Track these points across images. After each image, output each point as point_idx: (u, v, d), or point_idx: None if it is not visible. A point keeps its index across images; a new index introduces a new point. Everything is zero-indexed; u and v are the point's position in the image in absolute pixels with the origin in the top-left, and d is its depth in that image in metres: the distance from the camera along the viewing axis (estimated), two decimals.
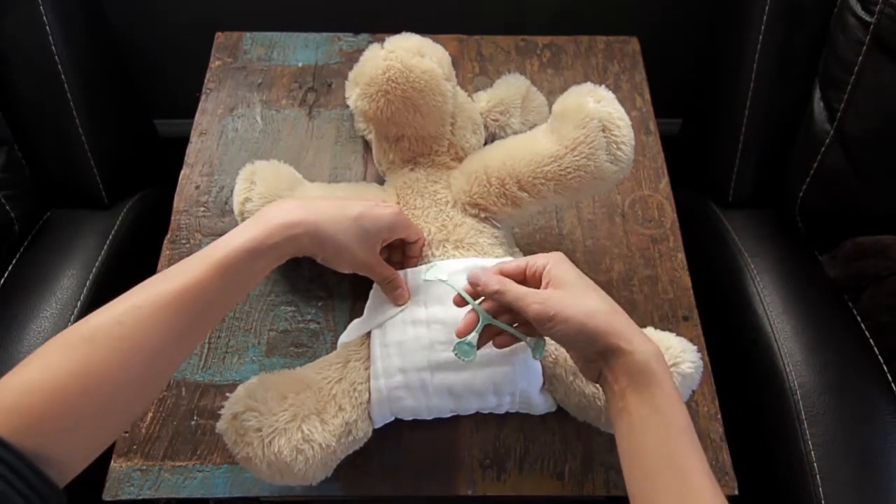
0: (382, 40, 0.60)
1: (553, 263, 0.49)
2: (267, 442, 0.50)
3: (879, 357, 0.74)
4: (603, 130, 0.55)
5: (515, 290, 0.48)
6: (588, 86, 0.58)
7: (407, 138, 0.64)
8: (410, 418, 0.58)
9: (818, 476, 0.64)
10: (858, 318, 0.78)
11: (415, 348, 0.56)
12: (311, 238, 0.50)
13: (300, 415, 0.52)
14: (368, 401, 0.56)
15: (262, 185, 0.62)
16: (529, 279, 0.51)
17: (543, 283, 0.49)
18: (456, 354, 0.53)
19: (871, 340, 0.75)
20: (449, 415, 0.59)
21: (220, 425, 0.52)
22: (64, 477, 0.38)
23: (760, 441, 0.72)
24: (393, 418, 0.58)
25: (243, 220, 0.63)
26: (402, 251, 0.61)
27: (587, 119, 0.55)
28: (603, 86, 0.58)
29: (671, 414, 0.42)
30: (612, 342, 0.45)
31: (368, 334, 0.59)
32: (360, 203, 0.54)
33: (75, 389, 0.38)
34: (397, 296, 0.58)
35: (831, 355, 0.73)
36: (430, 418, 0.59)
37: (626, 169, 0.58)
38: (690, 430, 0.42)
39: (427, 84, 0.58)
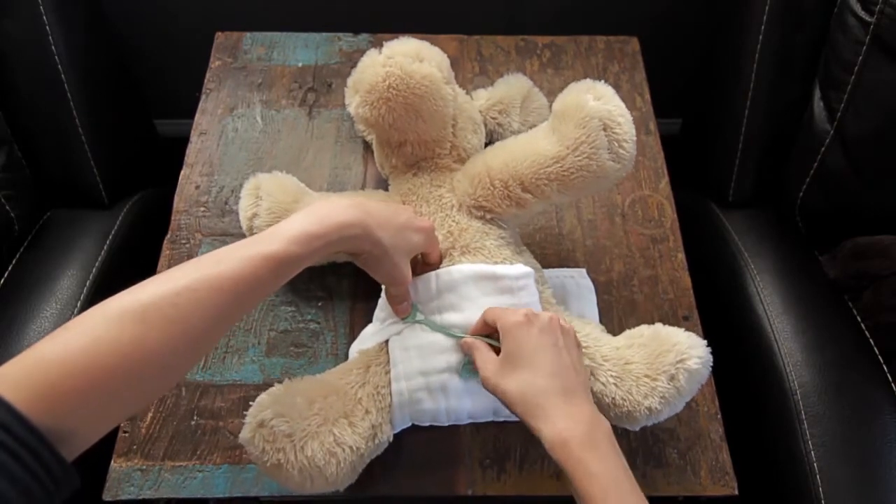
0: (383, 41, 0.60)
1: (503, 331, 0.51)
2: (299, 447, 0.50)
3: (879, 357, 0.74)
4: (604, 129, 0.55)
5: (477, 356, 0.53)
6: (587, 82, 0.57)
7: (410, 143, 0.63)
8: (429, 423, 0.58)
9: (818, 476, 0.64)
10: (858, 318, 0.78)
11: (434, 351, 0.56)
12: (364, 239, 0.50)
13: (330, 418, 0.52)
14: (390, 405, 0.56)
15: (267, 200, 0.61)
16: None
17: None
18: (461, 375, 0.56)
19: (871, 340, 0.75)
20: (467, 421, 0.59)
21: (245, 435, 0.51)
22: (76, 451, 0.37)
23: (760, 441, 0.72)
24: (410, 424, 0.58)
25: (252, 235, 0.63)
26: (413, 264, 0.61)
27: (587, 118, 0.54)
28: (602, 81, 0.57)
29: (585, 491, 0.43)
30: (529, 424, 0.48)
31: (385, 340, 0.59)
32: (404, 212, 0.55)
33: (122, 370, 0.37)
34: (401, 309, 0.59)
35: (831, 355, 0.72)
36: (447, 424, 0.59)
37: (629, 165, 0.57)
38: (610, 497, 0.43)
39: (428, 89, 0.57)
